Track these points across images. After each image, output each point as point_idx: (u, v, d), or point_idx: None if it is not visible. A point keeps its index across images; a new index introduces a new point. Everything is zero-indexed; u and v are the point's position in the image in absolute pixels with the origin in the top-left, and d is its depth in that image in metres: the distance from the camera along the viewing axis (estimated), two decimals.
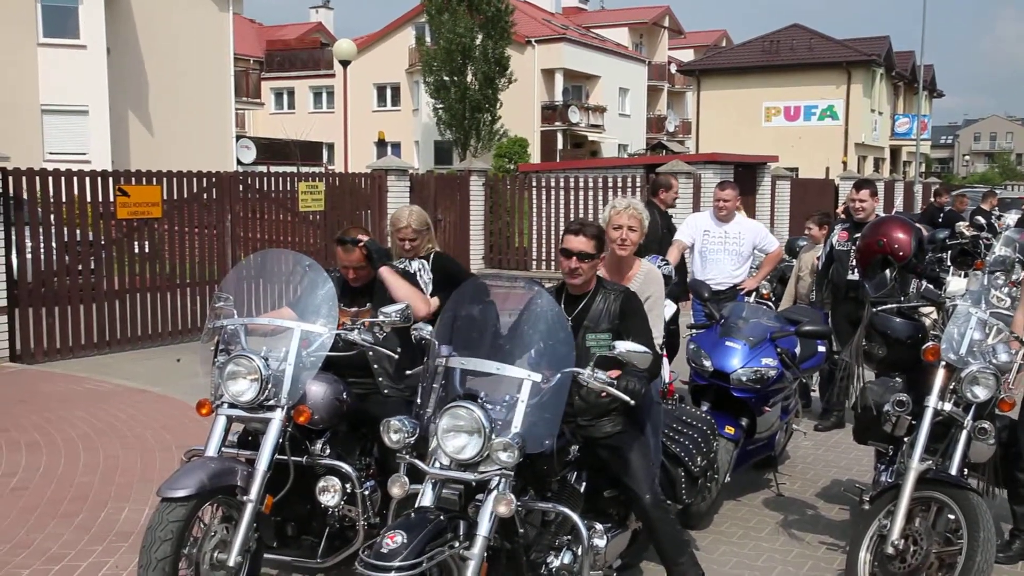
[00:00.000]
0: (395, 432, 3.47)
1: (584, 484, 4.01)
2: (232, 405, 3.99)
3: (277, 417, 3.94)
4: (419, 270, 5.25)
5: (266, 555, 4.08)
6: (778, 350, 5.51)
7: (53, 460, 6.21)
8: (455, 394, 3.52)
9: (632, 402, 3.65)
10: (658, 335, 4.33)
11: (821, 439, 7.15)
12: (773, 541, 5.11)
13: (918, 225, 6.02)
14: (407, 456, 3.48)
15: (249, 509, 3.78)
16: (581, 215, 16.47)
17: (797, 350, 5.72)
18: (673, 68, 53.19)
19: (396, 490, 3.41)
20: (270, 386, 3.97)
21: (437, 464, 3.39)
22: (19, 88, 21.57)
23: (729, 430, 5.33)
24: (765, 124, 42.49)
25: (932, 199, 16.51)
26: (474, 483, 3.36)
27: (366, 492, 4.19)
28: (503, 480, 3.32)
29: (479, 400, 3.44)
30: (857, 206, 7.15)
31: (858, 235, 6.77)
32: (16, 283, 9.54)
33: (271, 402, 3.97)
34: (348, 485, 4.11)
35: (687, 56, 54.80)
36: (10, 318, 9.45)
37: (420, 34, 38.97)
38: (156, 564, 3.51)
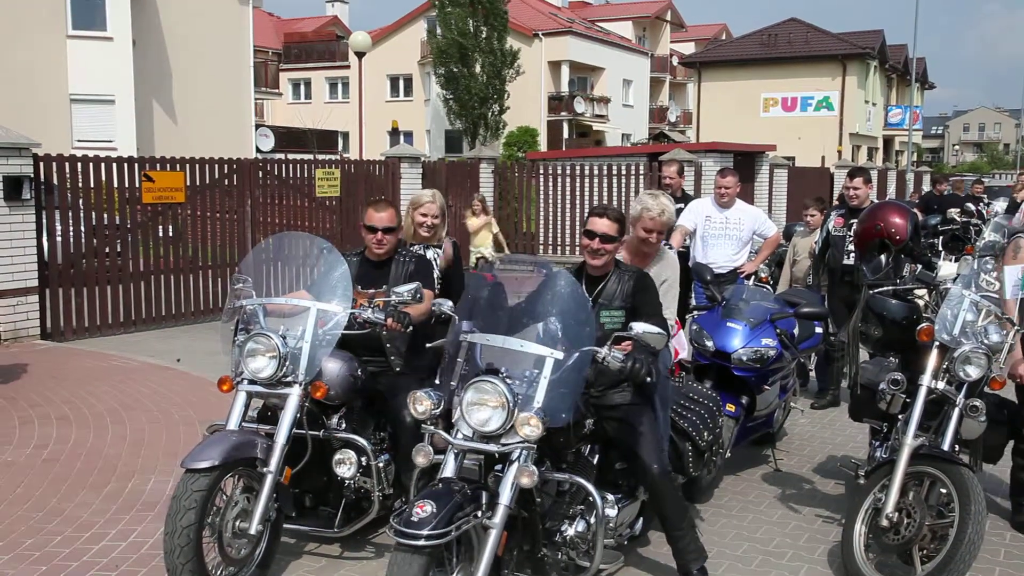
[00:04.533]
0: (421, 403, 3.55)
1: (597, 456, 4.14)
2: (252, 381, 4.15)
3: (295, 392, 4.09)
4: (434, 258, 5.33)
5: (285, 524, 4.24)
6: (777, 331, 5.66)
7: (82, 433, 6.37)
8: (477, 369, 3.61)
9: (649, 379, 3.84)
10: (671, 315, 4.53)
11: (817, 417, 7.33)
12: (771, 514, 5.23)
13: (914, 211, 6.20)
14: (432, 427, 3.58)
15: (269, 480, 3.94)
16: (587, 202, 16.74)
17: (796, 331, 5.88)
18: (675, 60, 53.67)
19: (420, 459, 3.50)
20: (288, 363, 4.10)
21: (461, 436, 3.46)
22: (49, 78, 21.94)
23: (730, 407, 5.46)
24: (763, 114, 42.89)
25: (932, 187, 16.64)
26: (496, 455, 3.45)
27: (380, 465, 4.32)
28: (525, 452, 3.41)
29: (501, 375, 3.51)
30: (851, 193, 7.33)
31: (853, 221, 6.97)
32: (47, 264, 9.82)
33: (289, 378, 4.11)
34: (363, 458, 4.25)
35: (688, 49, 55.22)
36: (41, 298, 9.72)
37: (431, 27, 39.32)
38: (181, 531, 3.64)
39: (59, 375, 8.12)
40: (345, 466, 4.20)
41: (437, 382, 3.73)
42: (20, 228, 9.47)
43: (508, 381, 3.48)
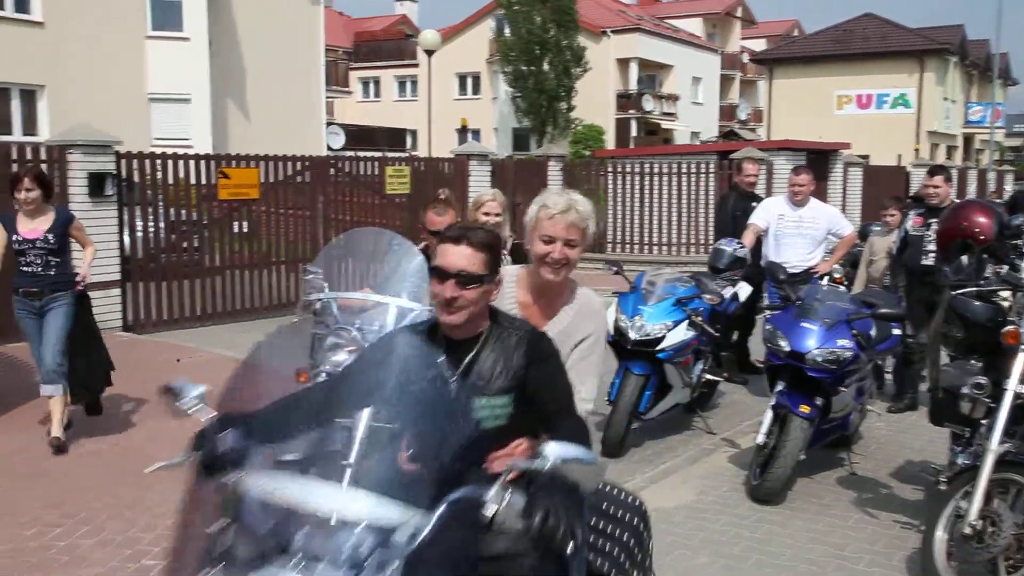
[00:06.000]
0: None
1: None
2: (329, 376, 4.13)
3: None
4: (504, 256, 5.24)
5: None
6: (854, 332, 5.55)
7: (161, 424, 6.47)
8: (255, 532, 2.02)
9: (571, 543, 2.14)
10: (591, 390, 2.95)
11: (894, 420, 7.19)
12: (847, 518, 5.14)
13: (999, 210, 6.02)
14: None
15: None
16: (656, 200, 16.61)
17: (873, 332, 5.77)
18: (746, 57, 52.90)
19: None
20: None
21: None
22: (129, 78, 22.62)
23: (804, 409, 5.41)
24: (837, 112, 42.08)
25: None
26: None
27: None
28: None
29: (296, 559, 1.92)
30: (931, 192, 7.15)
31: (933, 220, 6.81)
32: (128, 259, 10.13)
33: None
34: None
35: (759, 46, 54.45)
36: (123, 291, 10.04)
37: (499, 26, 39.50)
38: None
39: (138, 367, 8.34)
40: None
41: None
42: (103, 223, 9.78)
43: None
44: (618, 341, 6.35)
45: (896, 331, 6.21)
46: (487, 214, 5.36)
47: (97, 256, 9.57)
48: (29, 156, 9.47)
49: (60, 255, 6.10)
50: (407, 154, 25.69)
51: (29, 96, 21.85)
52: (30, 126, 21.75)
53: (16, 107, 21.75)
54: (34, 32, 21.43)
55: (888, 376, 7.72)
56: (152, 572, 4.20)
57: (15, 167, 9.32)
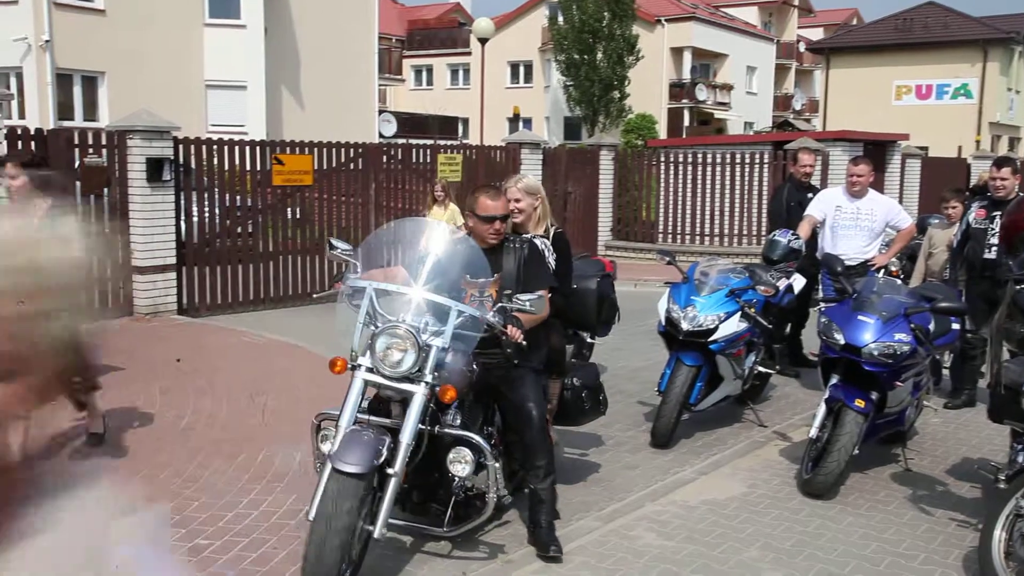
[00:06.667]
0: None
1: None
2: (369, 370, 3.92)
3: (420, 392, 3.87)
4: (544, 248, 4.76)
5: (392, 520, 3.99)
6: (912, 326, 5.45)
7: (217, 405, 6.66)
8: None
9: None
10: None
11: (951, 417, 7.06)
12: (901, 515, 5.07)
13: None
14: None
15: (394, 483, 3.78)
16: (709, 190, 16.46)
17: (931, 326, 5.66)
18: (802, 47, 52.02)
19: None
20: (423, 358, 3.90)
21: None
22: (187, 65, 22.98)
23: (859, 403, 5.34)
24: (895, 103, 41.17)
25: None
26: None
27: (497, 465, 4.08)
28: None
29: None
30: (998, 184, 6.95)
31: (997, 213, 6.64)
32: (184, 243, 10.30)
33: (415, 373, 3.90)
34: (479, 457, 4.01)
35: (816, 35, 53.53)
36: (178, 275, 10.21)
37: (552, 14, 39.37)
38: (335, 532, 3.59)
39: (195, 349, 8.50)
40: (460, 465, 3.96)
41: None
42: (161, 208, 9.95)
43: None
44: (670, 331, 6.31)
45: (955, 326, 6.07)
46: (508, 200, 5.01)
47: (154, 240, 9.91)
48: (90, 141, 9.66)
49: None
50: (458, 142, 25.74)
51: (90, 82, 22.32)
52: (91, 112, 22.22)
53: (77, 93, 22.23)
54: (96, 19, 21.86)
55: (946, 371, 7.57)
56: (206, 551, 4.28)
57: (77, 152, 9.55)
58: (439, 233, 4.25)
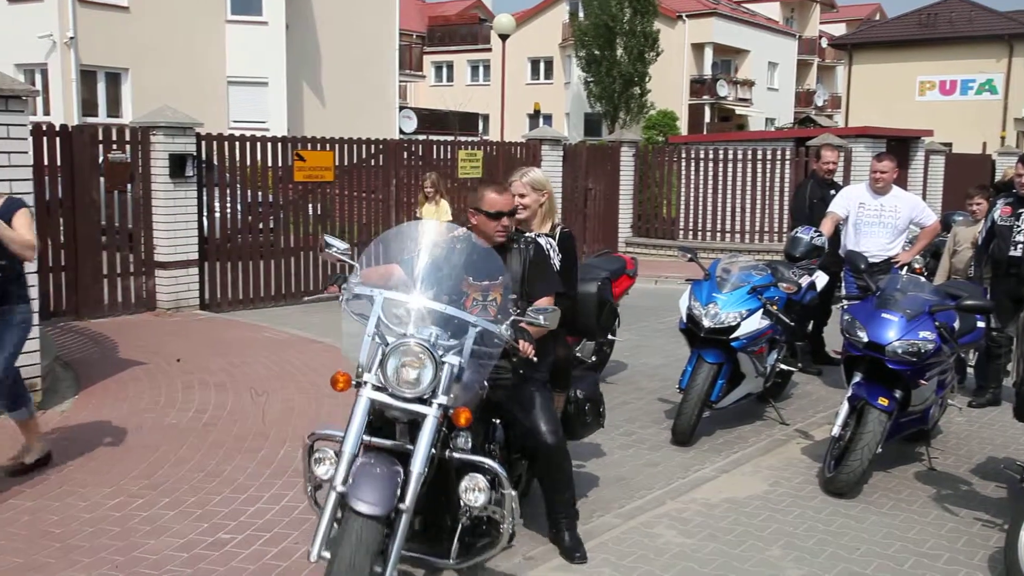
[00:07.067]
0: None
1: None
2: (377, 387, 3.48)
3: (433, 414, 3.45)
4: (549, 249, 4.44)
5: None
6: (936, 324, 5.40)
7: (238, 400, 6.68)
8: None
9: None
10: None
11: (976, 416, 7.00)
12: (925, 514, 5.03)
13: None
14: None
15: (405, 520, 3.38)
16: (730, 187, 16.38)
17: (956, 324, 5.60)
18: (824, 42, 51.68)
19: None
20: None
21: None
22: (209, 62, 23.16)
23: (882, 401, 5.30)
24: (919, 98, 40.83)
25: None
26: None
27: (513, 493, 3.65)
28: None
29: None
30: (1023, 181, 6.88)
31: (1022, 210, 6.58)
32: (206, 239, 10.36)
33: (427, 394, 3.48)
34: (495, 484, 3.64)
35: (839, 30, 53.29)
36: (200, 271, 10.26)
37: (573, 10, 39.31)
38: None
39: (216, 344, 8.55)
40: (476, 494, 3.53)
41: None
42: (183, 204, 10.00)
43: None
44: (691, 328, 6.28)
45: (981, 324, 6.00)
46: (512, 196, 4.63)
47: (176, 236, 9.96)
48: (114, 137, 9.73)
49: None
50: (478, 138, 25.74)
51: (114, 79, 22.53)
52: (114, 108, 22.42)
53: (101, 90, 22.46)
54: (120, 17, 22.05)
55: (970, 370, 7.50)
56: (228, 545, 4.30)
57: (100, 148, 9.62)
58: (437, 232, 3.87)
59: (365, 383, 3.50)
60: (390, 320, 3.61)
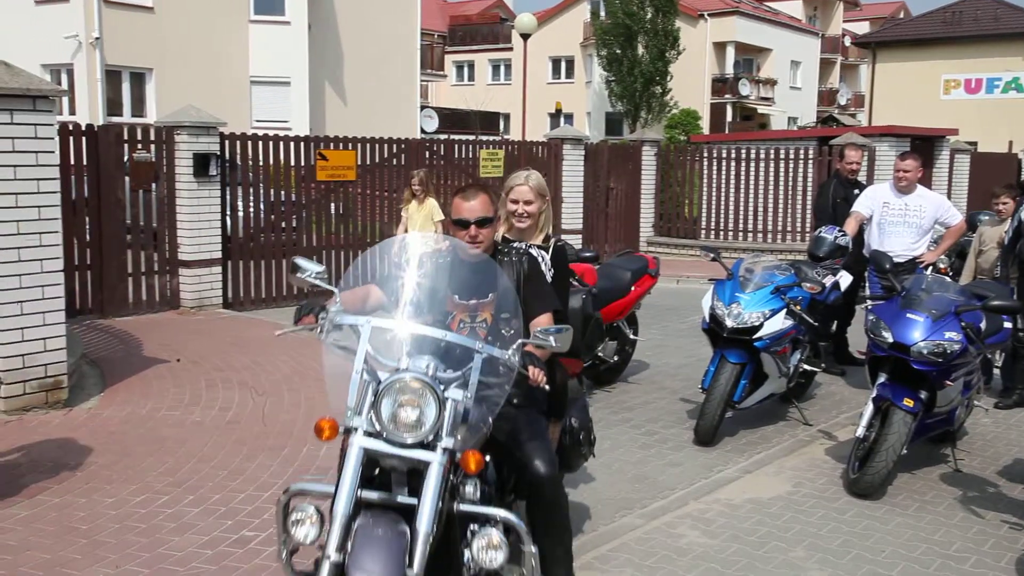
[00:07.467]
0: None
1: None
2: (368, 434, 2.93)
3: (438, 460, 2.90)
4: (541, 259, 3.98)
5: None
6: (962, 324, 5.35)
7: (260, 398, 6.71)
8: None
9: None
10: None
11: (1002, 417, 6.94)
12: (951, 516, 4.99)
13: None
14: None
15: None
16: (753, 186, 16.30)
17: (983, 325, 5.55)
18: (847, 40, 51.30)
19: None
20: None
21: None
22: (232, 61, 23.32)
23: (908, 402, 5.26)
24: (943, 97, 40.47)
25: None
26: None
27: (534, 549, 3.19)
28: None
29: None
30: None
31: None
32: (229, 238, 10.42)
33: (429, 437, 2.94)
34: (513, 540, 3.10)
35: (862, 28, 52.83)
36: (224, 269, 10.33)
37: (595, 9, 39.26)
38: None
39: (239, 343, 8.59)
40: (491, 551, 2.94)
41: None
42: (207, 203, 10.07)
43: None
44: (714, 328, 6.26)
45: (1007, 324, 5.95)
46: (515, 201, 4.17)
47: (200, 234, 10.03)
48: (139, 137, 9.80)
49: None
50: (499, 138, 25.77)
51: (138, 79, 22.72)
52: (139, 108, 22.61)
53: (126, 89, 22.65)
54: (144, 17, 22.23)
55: (997, 371, 7.43)
56: (251, 543, 4.32)
57: (126, 148, 9.70)
58: (421, 245, 3.40)
59: (355, 429, 2.95)
60: (378, 351, 3.10)
